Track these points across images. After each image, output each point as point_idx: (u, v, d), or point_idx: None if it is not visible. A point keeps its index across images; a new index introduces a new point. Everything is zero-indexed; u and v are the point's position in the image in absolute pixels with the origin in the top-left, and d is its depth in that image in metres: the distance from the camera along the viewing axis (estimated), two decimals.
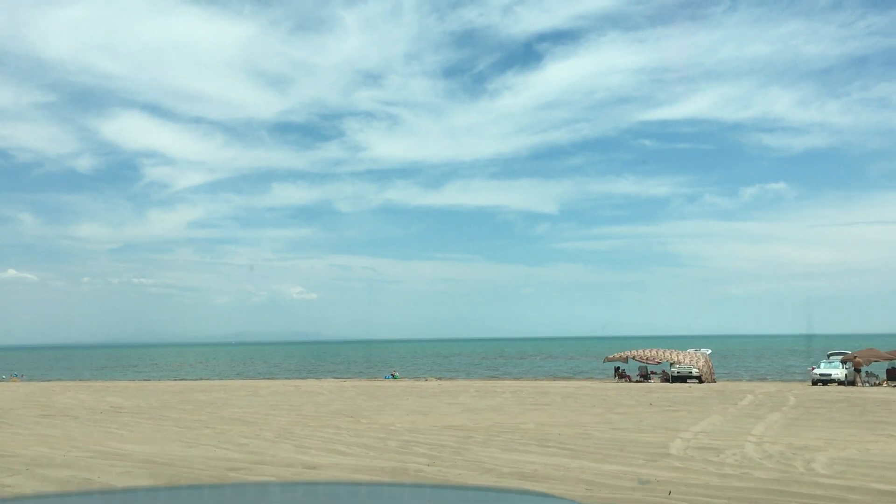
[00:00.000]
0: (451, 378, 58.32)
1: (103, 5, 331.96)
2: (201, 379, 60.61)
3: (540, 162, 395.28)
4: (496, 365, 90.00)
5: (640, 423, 21.26)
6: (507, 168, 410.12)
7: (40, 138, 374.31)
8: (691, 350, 49.85)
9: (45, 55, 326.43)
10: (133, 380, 63.02)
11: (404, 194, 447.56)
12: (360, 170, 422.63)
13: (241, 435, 19.08)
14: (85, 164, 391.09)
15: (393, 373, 67.81)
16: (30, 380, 63.60)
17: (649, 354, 48.63)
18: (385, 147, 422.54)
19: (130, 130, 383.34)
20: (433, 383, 45.92)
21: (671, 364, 45.72)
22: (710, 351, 50.14)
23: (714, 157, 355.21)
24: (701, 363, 45.85)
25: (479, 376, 63.33)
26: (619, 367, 49.31)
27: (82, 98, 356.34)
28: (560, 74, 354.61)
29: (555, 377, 56.64)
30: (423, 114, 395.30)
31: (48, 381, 61.42)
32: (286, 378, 60.28)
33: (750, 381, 47.86)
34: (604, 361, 51.34)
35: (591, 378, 53.53)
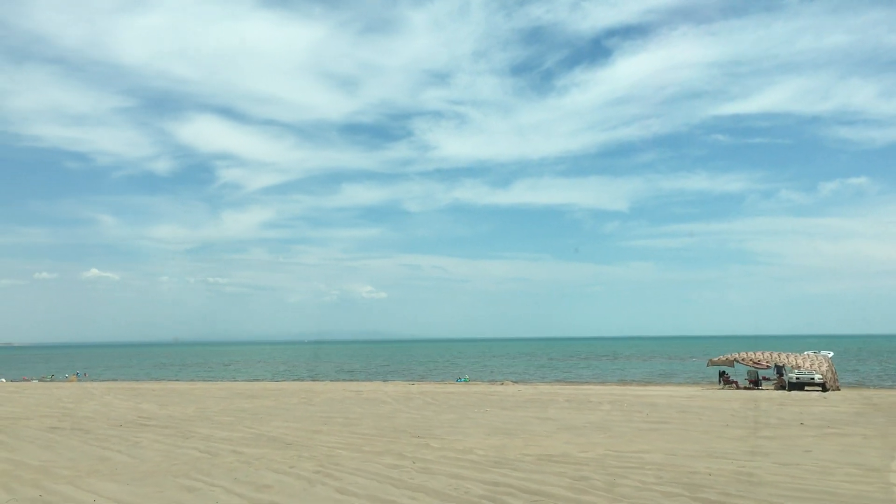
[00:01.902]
0: (528, 382, 52.89)
1: (178, 12, 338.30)
2: (258, 380, 56.84)
3: (609, 159, 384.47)
4: (568, 367, 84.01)
5: (810, 455, 15.47)
6: (575, 166, 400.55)
7: (119, 142, 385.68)
8: (809, 352, 43.13)
9: (124, 62, 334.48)
10: (192, 380, 59.78)
11: (472, 193, 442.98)
12: (429, 169, 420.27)
13: (270, 467, 14.20)
14: (162, 166, 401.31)
15: (464, 376, 62.95)
16: (91, 379, 61.25)
17: (759, 357, 42.25)
18: (453, 146, 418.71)
19: (205, 133, 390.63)
20: (511, 388, 40.59)
21: (788, 369, 39.32)
22: (832, 354, 43.28)
23: (791, 151, 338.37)
24: (824, 368, 39.23)
25: (553, 379, 57.69)
26: (724, 372, 43.14)
27: (159, 102, 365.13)
28: (630, 70, 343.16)
29: (647, 382, 50.54)
30: (490, 112, 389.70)
31: (105, 380, 58.76)
32: (348, 380, 55.90)
33: (880, 388, 40.95)
34: (707, 365, 44.99)
35: (691, 384, 47.26)
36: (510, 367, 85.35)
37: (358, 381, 53.54)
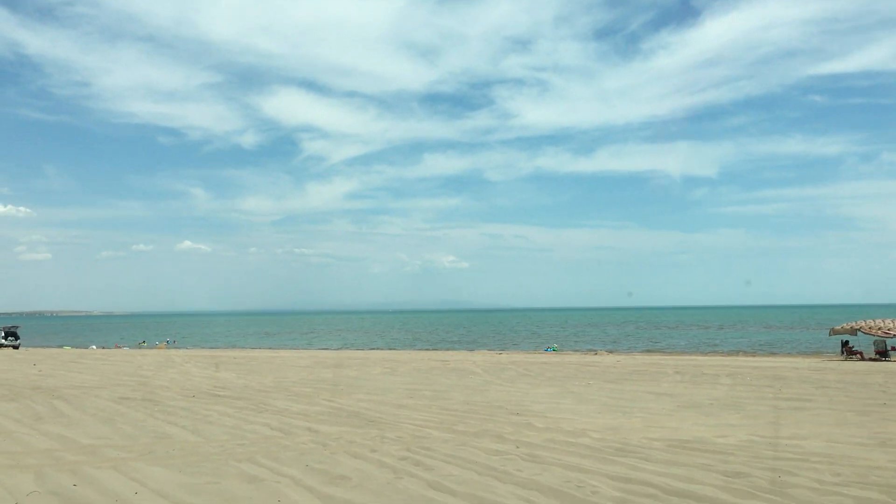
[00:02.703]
0: (622, 351, 49.81)
1: None
2: (342, 348, 55.76)
3: (698, 123, 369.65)
4: (661, 336, 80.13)
5: None
6: (662, 131, 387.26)
7: (209, 117, 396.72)
8: None
9: (212, 38, 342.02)
10: (275, 348, 59.25)
11: (555, 161, 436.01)
12: (510, 138, 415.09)
13: (348, 450, 12.01)
14: (249, 140, 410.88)
15: (552, 345, 60.34)
16: (179, 347, 61.70)
17: (889, 325, 38.00)
18: (535, 114, 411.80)
19: (289, 107, 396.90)
20: (608, 358, 37.70)
21: None
22: None
23: (893, 111, 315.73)
24: None
25: (646, 349, 54.39)
26: (847, 342, 39.12)
27: (245, 77, 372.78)
28: (719, 30, 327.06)
29: (754, 352, 46.71)
30: (573, 78, 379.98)
31: (192, 348, 58.91)
32: (433, 349, 54.06)
33: None
34: (829, 335, 40.84)
35: (806, 354, 43.26)
36: (598, 336, 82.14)
37: (443, 350, 51.65)
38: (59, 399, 19.24)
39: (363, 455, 11.62)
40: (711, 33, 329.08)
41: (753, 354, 44.04)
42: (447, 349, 54.24)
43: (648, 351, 51.06)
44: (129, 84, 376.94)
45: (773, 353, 44.67)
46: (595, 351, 48.70)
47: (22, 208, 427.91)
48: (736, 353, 46.68)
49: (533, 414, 16.26)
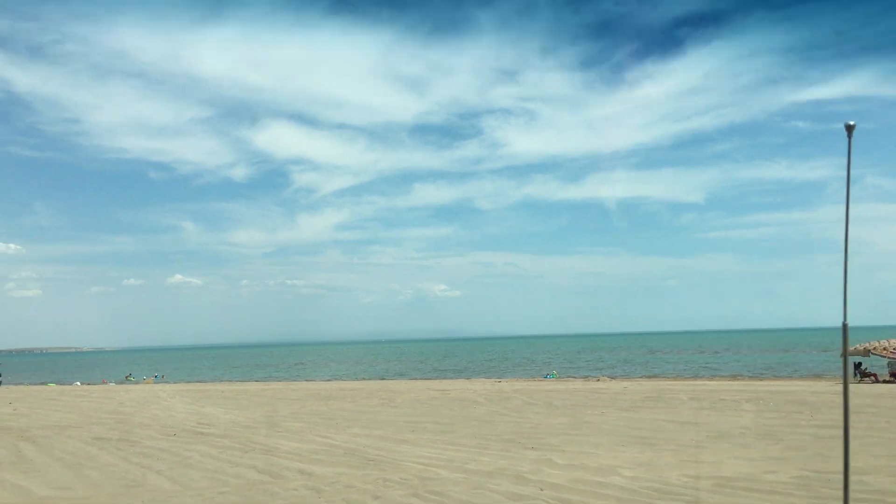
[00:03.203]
0: (624, 377, 48.24)
1: (251, 23, 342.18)
2: (336, 379, 53.93)
3: (684, 150, 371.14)
4: (657, 361, 78.55)
5: None
6: (648, 158, 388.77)
7: (199, 151, 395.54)
8: None
9: (201, 73, 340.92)
10: (265, 380, 57.35)
11: (544, 189, 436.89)
12: (499, 167, 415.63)
13: (347, 497, 10.39)
14: (240, 173, 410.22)
15: (552, 372, 58.72)
16: (167, 381, 59.75)
17: None
18: (523, 143, 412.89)
19: (280, 139, 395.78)
20: (613, 384, 36.10)
21: None
22: None
23: (876, 135, 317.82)
24: None
25: (650, 374, 52.85)
26: (860, 364, 37.73)
27: (235, 111, 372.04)
28: (702, 59, 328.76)
29: (760, 377, 45.25)
30: (560, 107, 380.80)
31: (179, 382, 56.96)
32: (431, 378, 52.31)
33: None
34: (840, 356, 39.31)
35: (814, 377, 41.82)
36: (594, 362, 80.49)
37: (440, 379, 49.94)
38: (27, 441, 17.52)
39: (364, 502, 10.02)
40: (695, 62, 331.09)
41: (760, 378, 42.52)
42: (444, 378, 52.50)
43: (651, 376, 49.48)
44: (119, 120, 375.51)
45: (777, 378, 43.17)
46: (598, 377, 47.06)
47: (12, 245, 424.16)
48: (739, 377, 45.16)
49: (550, 448, 14.66)
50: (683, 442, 15.28)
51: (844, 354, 5.49)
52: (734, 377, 44.73)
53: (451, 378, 52.63)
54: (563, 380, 45.79)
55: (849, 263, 5.18)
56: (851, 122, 5.44)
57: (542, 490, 10.72)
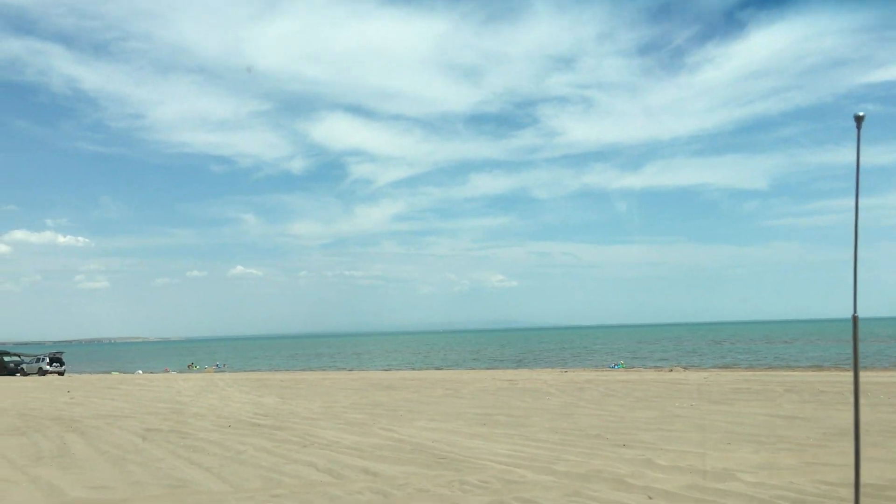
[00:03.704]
0: (697, 367, 45.74)
1: (308, 16, 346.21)
2: (395, 368, 52.75)
3: (747, 135, 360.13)
4: (724, 351, 75.28)
5: None
6: (710, 144, 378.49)
7: (259, 144, 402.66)
8: None
9: (260, 67, 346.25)
10: (324, 370, 56.65)
11: (602, 178, 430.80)
12: (556, 155, 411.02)
13: None
14: (298, 165, 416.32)
15: (619, 362, 56.55)
16: (228, 370, 59.72)
17: None
18: (580, 131, 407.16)
19: (336, 132, 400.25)
20: (691, 375, 33.82)
21: None
22: None
23: None
24: None
25: (723, 364, 50.14)
26: None
27: (293, 104, 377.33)
28: (766, 41, 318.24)
29: (845, 367, 42.10)
30: (618, 94, 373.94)
31: (239, 371, 56.72)
32: (493, 368, 50.65)
33: None
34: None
35: None
36: (659, 352, 77.64)
37: (503, 368, 48.25)
38: (75, 432, 16.50)
39: None
40: (758, 45, 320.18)
41: (847, 369, 39.59)
42: (506, 368, 50.78)
43: (725, 367, 46.85)
44: (181, 115, 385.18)
45: (873, 368, 40.12)
46: (670, 368, 44.69)
47: (80, 238, 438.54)
48: (821, 367, 42.25)
49: (645, 446, 12.83)
50: (799, 440, 13.26)
51: (855, 347, 5.67)
52: (817, 368, 41.84)
53: (513, 368, 50.89)
54: (632, 370, 43.61)
55: None
56: (861, 114, 5.35)
57: (650, 498, 8.97)
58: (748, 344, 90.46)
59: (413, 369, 51.85)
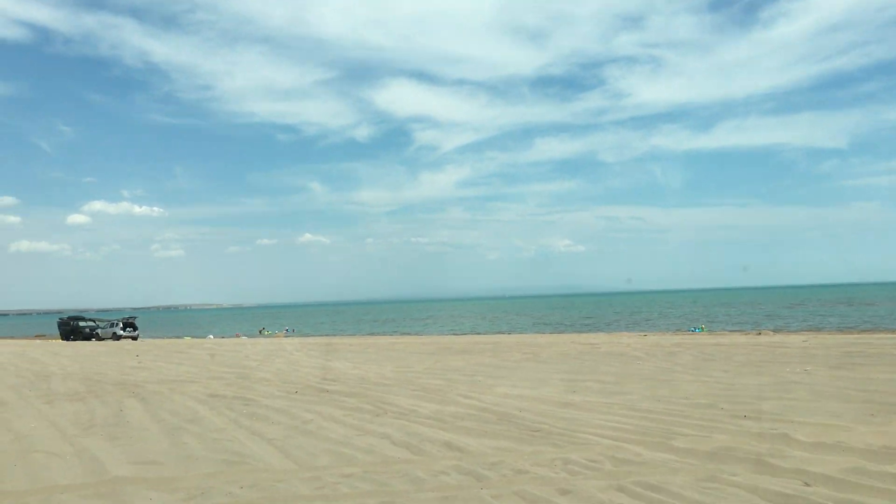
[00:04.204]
0: (787, 331, 42.86)
1: None
2: (467, 333, 51.40)
3: (825, 92, 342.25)
4: (805, 314, 71.11)
5: None
6: (786, 102, 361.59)
7: (324, 112, 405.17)
8: None
9: (324, 35, 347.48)
10: (394, 334, 55.78)
11: (671, 139, 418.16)
12: (623, 118, 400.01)
13: (523, 494, 7.23)
14: (363, 133, 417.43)
15: (699, 325, 53.86)
16: (297, 335, 59.51)
17: None
18: (649, 92, 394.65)
19: (401, 98, 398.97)
20: (789, 338, 31.26)
21: None
22: None
23: None
24: None
25: (799, 328, 46.95)
26: None
27: (357, 72, 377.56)
28: None
29: None
30: (688, 53, 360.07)
31: (307, 336, 56.35)
32: (568, 332, 48.77)
33: None
34: None
35: None
36: (737, 316, 74.10)
37: (580, 332, 46.33)
38: (135, 398, 15.53)
39: (550, 501, 6.81)
40: None
41: None
42: (581, 332, 48.83)
43: (816, 329, 43.84)
44: (248, 85, 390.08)
45: None
46: (758, 331, 41.98)
47: (156, 208, 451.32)
48: None
49: (772, 418, 10.92)
50: None
51: None
52: None
53: (588, 332, 48.89)
54: (716, 334, 41.08)
55: None
56: None
57: (807, 485, 7.16)
58: (829, 307, 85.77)
59: (485, 334, 50.40)
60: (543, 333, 46.00)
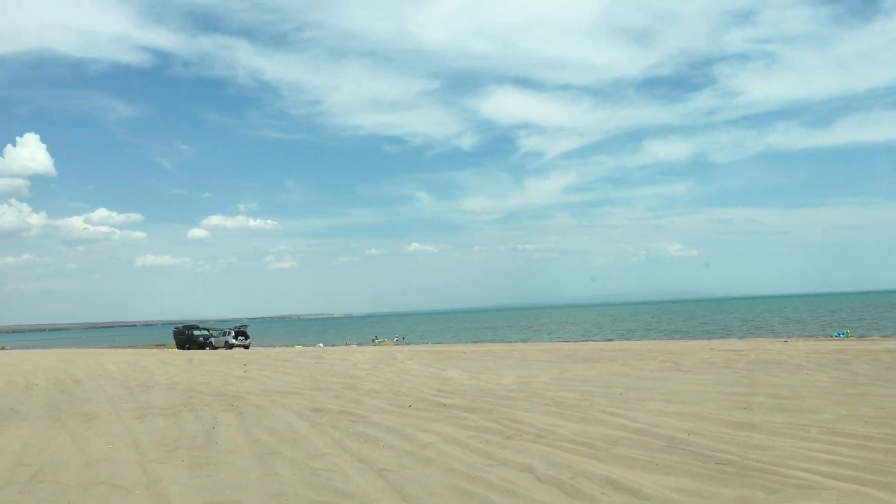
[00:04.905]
0: None
1: None
2: (588, 339, 48.39)
3: None
4: None
5: None
6: None
7: (429, 122, 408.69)
8: None
9: (427, 46, 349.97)
10: (509, 341, 53.45)
11: (787, 137, 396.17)
12: (736, 116, 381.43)
13: None
14: (467, 142, 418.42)
15: (845, 331, 48.79)
16: (407, 343, 58.33)
17: None
18: (762, 89, 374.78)
19: (504, 105, 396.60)
20: None
21: None
22: None
23: None
24: None
25: None
26: None
27: (461, 81, 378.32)
28: None
29: None
30: (804, 47, 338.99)
31: (418, 343, 54.88)
32: (695, 338, 44.95)
33: None
34: None
35: None
36: (879, 321, 67.18)
37: (710, 338, 42.55)
38: (233, 411, 13.89)
39: None
40: None
41: None
42: (712, 338, 44.92)
43: None
44: (354, 98, 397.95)
45: None
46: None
47: (269, 221, 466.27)
48: None
49: None
50: None
51: None
52: None
53: (719, 338, 44.91)
54: (867, 339, 36.49)
55: None
56: None
57: None
58: None
59: (608, 340, 47.26)
60: (674, 340, 42.46)
